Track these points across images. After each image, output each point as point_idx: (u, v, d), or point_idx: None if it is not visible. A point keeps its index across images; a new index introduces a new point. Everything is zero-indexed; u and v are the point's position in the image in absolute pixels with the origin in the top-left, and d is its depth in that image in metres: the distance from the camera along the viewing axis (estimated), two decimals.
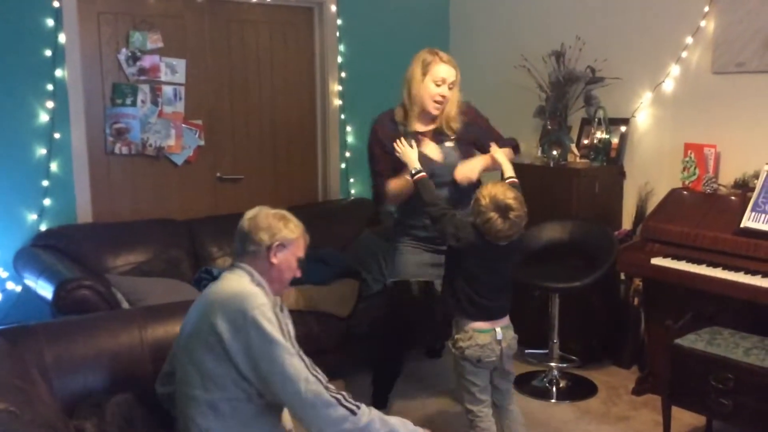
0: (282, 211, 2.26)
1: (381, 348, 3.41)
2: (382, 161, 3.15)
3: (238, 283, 2.12)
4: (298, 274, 2.26)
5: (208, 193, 4.34)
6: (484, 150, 3.19)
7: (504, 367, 2.86)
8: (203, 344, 2.03)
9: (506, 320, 2.85)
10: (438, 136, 3.16)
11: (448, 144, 3.15)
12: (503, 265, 2.81)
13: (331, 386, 2.04)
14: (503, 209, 2.59)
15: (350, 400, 2.05)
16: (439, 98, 3.07)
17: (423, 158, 3.00)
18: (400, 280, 3.22)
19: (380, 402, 3.36)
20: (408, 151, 2.92)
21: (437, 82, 3.05)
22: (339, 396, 2.02)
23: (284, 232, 2.19)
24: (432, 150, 3.09)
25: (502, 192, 2.62)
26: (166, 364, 2.25)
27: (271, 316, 2.04)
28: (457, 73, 3.10)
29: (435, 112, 3.10)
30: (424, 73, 3.07)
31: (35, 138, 3.67)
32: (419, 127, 3.15)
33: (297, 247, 2.23)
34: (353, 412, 2.01)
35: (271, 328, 2.01)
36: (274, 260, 2.17)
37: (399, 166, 3.05)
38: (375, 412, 2.09)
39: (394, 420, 2.14)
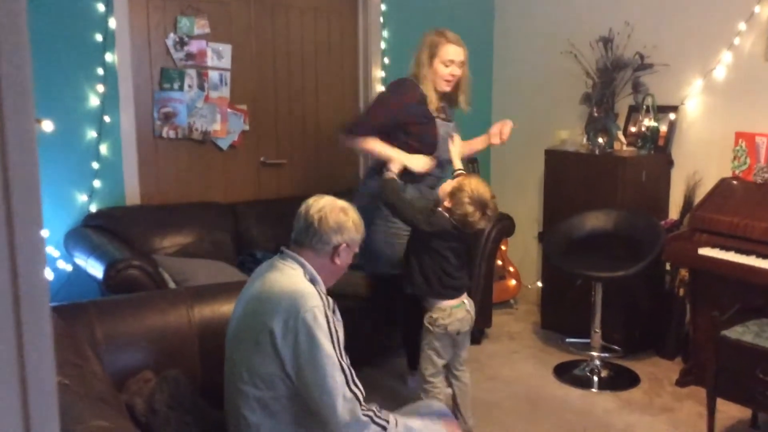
0: (345, 205, 2.17)
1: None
2: (386, 118, 3.19)
3: (291, 278, 2.05)
4: (342, 272, 2.24)
5: (252, 177, 4.39)
6: None
7: (465, 337, 3.07)
8: (252, 341, 1.99)
9: (465, 293, 3.05)
10: (446, 112, 3.31)
11: (452, 124, 3.32)
12: (465, 245, 3.01)
13: (364, 404, 2.02)
14: (483, 205, 2.79)
15: (380, 414, 2.03)
16: (449, 77, 3.20)
17: (445, 132, 3.24)
18: (377, 273, 3.36)
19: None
20: (413, 158, 3.14)
21: (446, 63, 3.17)
22: (370, 413, 2.00)
23: (352, 232, 2.13)
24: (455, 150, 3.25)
25: (483, 188, 2.83)
26: None
27: (322, 320, 1.97)
28: (465, 52, 3.22)
29: (446, 88, 3.23)
30: (432, 55, 3.18)
31: (86, 121, 3.76)
32: (434, 101, 3.26)
33: (357, 245, 2.19)
34: (384, 428, 2.01)
35: (321, 334, 1.95)
36: (338, 261, 2.13)
37: (410, 130, 3.18)
38: (401, 423, 2.08)
39: (417, 425, 2.14)
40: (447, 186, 2.91)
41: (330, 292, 2.16)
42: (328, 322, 1.99)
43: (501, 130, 3.33)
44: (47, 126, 2.78)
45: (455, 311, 2.94)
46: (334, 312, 2.09)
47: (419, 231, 2.91)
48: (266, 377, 1.99)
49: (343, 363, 2.00)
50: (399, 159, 3.12)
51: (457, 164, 3.21)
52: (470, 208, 2.77)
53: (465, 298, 3.00)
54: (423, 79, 3.20)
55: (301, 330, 1.95)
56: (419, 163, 3.16)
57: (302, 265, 2.10)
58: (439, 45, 3.17)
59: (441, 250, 2.91)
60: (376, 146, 3.19)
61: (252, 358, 2.00)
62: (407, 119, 3.19)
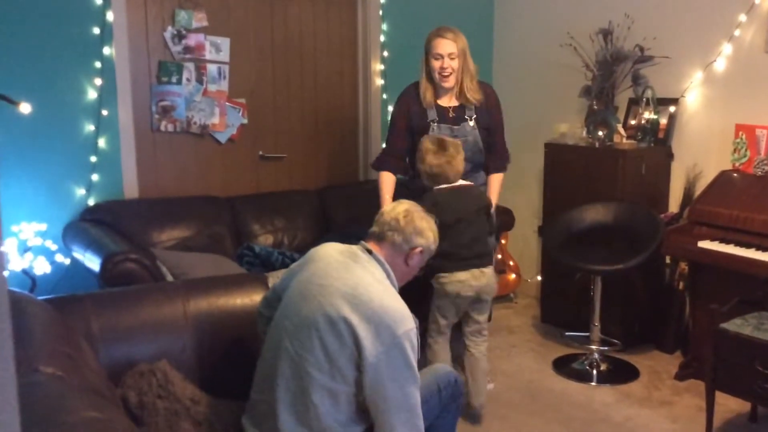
0: (427, 216, 2.27)
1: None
2: (401, 137, 3.41)
3: (385, 288, 2.07)
4: (411, 277, 2.28)
5: (251, 171, 4.38)
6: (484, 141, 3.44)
7: (481, 304, 3.20)
8: (337, 336, 1.96)
9: (486, 266, 3.16)
10: (462, 111, 3.36)
11: (470, 123, 3.36)
12: (473, 217, 3.14)
13: None
14: (438, 142, 3.10)
15: None
16: (440, 70, 3.28)
17: (442, 132, 3.32)
18: None
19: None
20: None
21: (435, 56, 3.27)
22: None
23: (430, 240, 2.22)
24: None
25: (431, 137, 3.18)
26: (271, 293, 2.26)
27: (415, 343, 2.01)
28: (458, 45, 3.27)
29: (444, 84, 3.30)
30: (427, 51, 3.30)
31: (84, 114, 3.75)
32: (444, 101, 3.36)
33: (430, 254, 2.28)
34: None
35: (413, 357, 1.99)
36: (410, 262, 2.20)
37: (417, 138, 3.31)
38: None
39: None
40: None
41: None
42: (417, 345, 2.04)
43: None
44: (25, 108, 2.74)
45: (456, 274, 3.08)
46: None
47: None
48: (345, 373, 1.97)
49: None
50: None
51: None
52: (429, 146, 3.09)
53: (479, 268, 3.12)
54: (424, 77, 3.33)
55: (396, 348, 1.95)
56: None
57: (388, 274, 2.13)
58: (430, 41, 3.29)
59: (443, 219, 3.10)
60: (382, 189, 3.43)
61: (335, 353, 1.96)
62: (413, 127, 3.38)
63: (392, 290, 2.10)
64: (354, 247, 2.18)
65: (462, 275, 3.09)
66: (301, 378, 1.99)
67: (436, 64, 3.26)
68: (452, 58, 3.25)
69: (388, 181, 3.43)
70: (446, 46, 3.25)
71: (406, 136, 3.40)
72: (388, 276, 2.13)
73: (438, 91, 3.34)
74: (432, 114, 3.33)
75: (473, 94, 3.33)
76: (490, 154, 3.46)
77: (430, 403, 2.25)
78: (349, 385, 1.98)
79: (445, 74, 3.26)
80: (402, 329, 1.97)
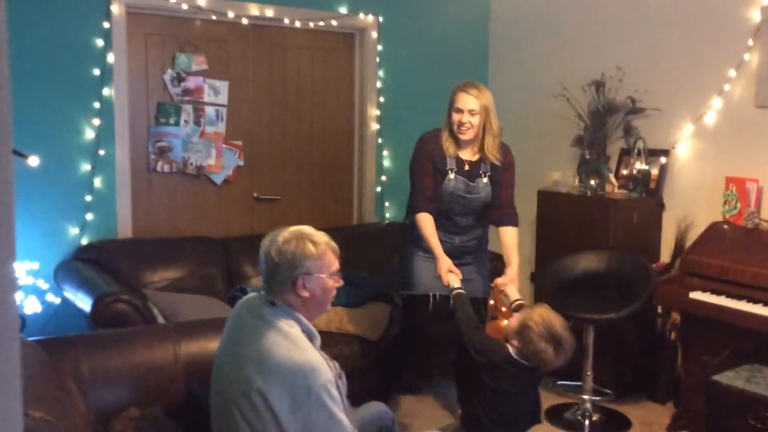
0: (299, 230, 2.05)
1: (395, 350, 3.65)
2: (429, 175, 3.30)
3: (295, 344, 1.96)
4: (340, 283, 2.11)
5: (245, 212, 4.39)
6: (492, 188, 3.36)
7: None
8: (254, 410, 1.93)
9: None
10: (478, 167, 3.33)
11: (484, 180, 3.34)
12: (526, 393, 2.63)
13: None
14: (556, 340, 2.46)
15: None
16: (459, 124, 3.25)
17: (456, 188, 3.27)
18: (417, 294, 3.33)
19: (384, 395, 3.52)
20: (451, 278, 3.06)
21: (456, 110, 3.24)
22: None
23: (305, 260, 2.00)
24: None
25: (557, 321, 2.50)
26: None
27: (335, 393, 1.94)
28: (481, 102, 3.23)
29: (462, 137, 3.28)
30: (450, 104, 3.29)
31: (81, 154, 3.77)
32: (464, 154, 3.33)
33: (324, 265, 2.04)
34: None
35: (336, 408, 1.92)
36: (305, 293, 2.01)
37: (438, 179, 3.29)
38: None
39: None
40: (513, 322, 2.61)
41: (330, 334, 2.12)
42: (339, 393, 1.97)
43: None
44: (33, 161, 2.77)
45: None
46: (340, 377, 2.04)
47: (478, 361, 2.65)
48: None
49: (354, 428, 1.99)
50: (439, 257, 3.13)
51: (513, 294, 3.06)
52: (542, 345, 2.45)
53: None
54: (444, 128, 3.32)
55: (314, 407, 1.90)
56: (442, 272, 3.12)
57: (297, 320, 2.02)
58: (454, 94, 3.28)
59: (493, 387, 2.56)
60: (426, 234, 3.22)
61: (258, 424, 1.94)
62: (436, 169, 3.29)
63: (301, 342, 1.97)
64: (259, 303, 2.07)
65: None
66: None
67: (456, 118, 3.24)
68: (473, 114, 3.22)
69: (429, 222, 3.24)
70: (468, 102, 3.22)
71: (432, 175, 3.30)
72: (299, 322, 2.01)
73: (458, 142, 3.31)
74: (451, 163, 3.29)
75: (493, 153, 3.30)
76: (500, 207, 3.37)
77: None
78: None
79: (463, 129, 3.24)
80: (316, 383, 1.90)
